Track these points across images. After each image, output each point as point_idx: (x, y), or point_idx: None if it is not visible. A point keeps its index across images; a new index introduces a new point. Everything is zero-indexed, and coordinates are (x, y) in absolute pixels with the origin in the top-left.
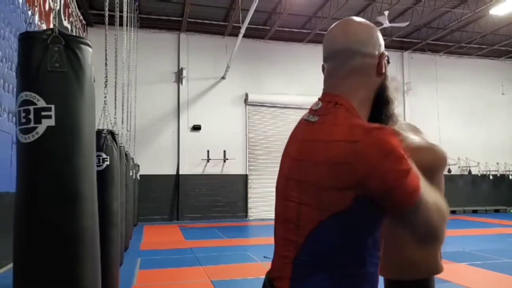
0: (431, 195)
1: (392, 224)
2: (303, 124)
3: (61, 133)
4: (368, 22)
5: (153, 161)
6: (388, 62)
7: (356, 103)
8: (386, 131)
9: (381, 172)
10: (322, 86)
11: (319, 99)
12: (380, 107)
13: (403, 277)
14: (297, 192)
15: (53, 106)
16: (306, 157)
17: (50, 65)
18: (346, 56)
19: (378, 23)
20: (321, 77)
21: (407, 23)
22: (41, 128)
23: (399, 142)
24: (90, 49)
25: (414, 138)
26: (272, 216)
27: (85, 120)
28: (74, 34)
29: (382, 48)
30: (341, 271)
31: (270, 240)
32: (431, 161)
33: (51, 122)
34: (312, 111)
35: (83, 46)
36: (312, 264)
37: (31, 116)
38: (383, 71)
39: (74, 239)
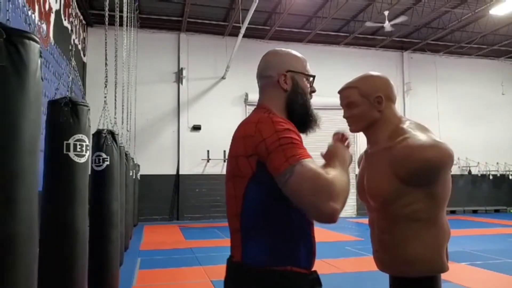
0: (316, 171)
1: (389, 220)
2: None
3: None
4: (275, 51)
5: (153, 161)
6: (312, 81)
7: (274, 109)
8: (276, 116)
9: (266, 140)
10: (321, 86)
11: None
12: (294, 112)
13: (407, 274)
14: (229, 170)
15: None
16: (233, 141)
17: None
18: (258, 79)
19: (378, 24)
20: (320, 77)
21: (405, 18)
22: None
23: (286, 123)
24: (37, 45)
25: (420, 136)
26: None
27: (27, 118)
28: (18, 28)
29: (304, 70)
30: (276, 229)
31: None
32: (437, 158)
33: None
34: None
35: (27, 41)
36: (253, 228)
37: None
38: (285, 87)
39: (1, 247)
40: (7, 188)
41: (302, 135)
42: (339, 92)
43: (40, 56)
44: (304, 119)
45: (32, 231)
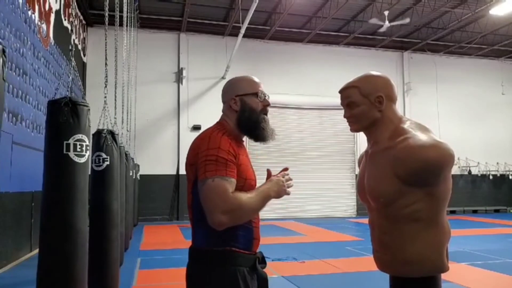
0: (222, 188)
1: (396, 221)
2: None
3: None
4: (230, 80)
5: (153, 161)
6: (263, 97)
7: (230, 124)
8: (219, 133)
9: (199, 154)
10: (321, 86)
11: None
12: (242, 127)
13: (407, 274)
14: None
15: None
16: (188, 151)
17: None
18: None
19: (380, 23)
20: (320, 77)
21: (408, 20)
22: None
23: (225, 140)
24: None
25: (420, 136)
26: (270, 216)
27: None
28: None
29: (253, 90)
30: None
31: (269, 240)
32: (438, 158)
33: None
34: None
35: None
36: (198, 218)
37: None
38: (235, 108)
39: None
40: None
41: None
42: (340, 91)
43: (4, 56)
44: (252, 131)
45: None
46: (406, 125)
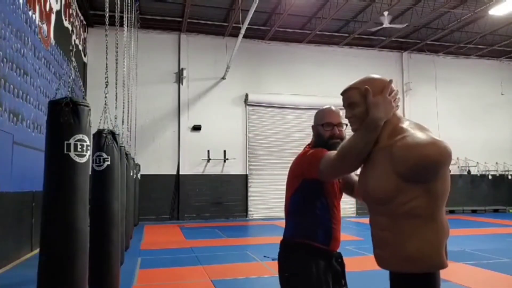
0: (329, 156)
1: (394, 217)
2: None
3: None
4: (323, 108)
5: (154, 161)
6: (330, 126)
7: (314, 144)
8: (312, 150)
9: (307, 167)
10: (321, 86)
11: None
12: (317, 147)
13: (407, 270)
14: (287, 184)
15: None
16: (292, 166)
17: None
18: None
19: (378, 24)
20: (320, 77)
21: (405, 25)
22: None
23: (320, 152)
24: None
25: (418, 134)
26: (272, 215)
27: None
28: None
29: (321, 121)
30: (303, 217)
31: (270, 239)
32: (435, 155)
33: None
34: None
35: None
36: (292, 214)
37: None
38: (319, 134)
39: None
40: None
41: None
42: (342, 93)
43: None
44: (324, 147)
45: None
46: (405, 125)
